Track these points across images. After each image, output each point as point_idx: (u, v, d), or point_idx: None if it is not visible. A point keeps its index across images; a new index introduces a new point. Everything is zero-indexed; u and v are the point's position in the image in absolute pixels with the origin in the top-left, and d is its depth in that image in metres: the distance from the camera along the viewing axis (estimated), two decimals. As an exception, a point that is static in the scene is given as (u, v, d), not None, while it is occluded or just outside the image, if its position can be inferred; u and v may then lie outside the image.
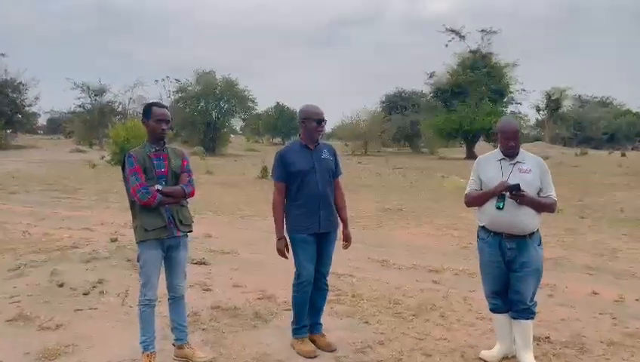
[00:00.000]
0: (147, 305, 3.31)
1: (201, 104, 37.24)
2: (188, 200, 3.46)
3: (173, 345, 3.50)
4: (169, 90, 37.98)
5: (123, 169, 3.30)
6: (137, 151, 3.30)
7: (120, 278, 5.03)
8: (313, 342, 3.73)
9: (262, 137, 64.10)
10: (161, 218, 3.26)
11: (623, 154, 35.93)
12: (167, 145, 3.39)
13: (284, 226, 3.69)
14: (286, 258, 3.67)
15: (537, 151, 21.38)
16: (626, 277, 5.97)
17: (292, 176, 3.61)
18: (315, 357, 3.57)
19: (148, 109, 3.35)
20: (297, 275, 3.67)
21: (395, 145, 47.87)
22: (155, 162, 3.29)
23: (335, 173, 3.80)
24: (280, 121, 60.15)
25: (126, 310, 4.31)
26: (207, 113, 36.91)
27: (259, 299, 4.76)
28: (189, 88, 37.43)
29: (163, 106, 3.43)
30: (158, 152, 3.32)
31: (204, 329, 3.99)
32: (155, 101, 3.51)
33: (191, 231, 3.46)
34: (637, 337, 3.97)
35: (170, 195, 3.28)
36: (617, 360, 3.58)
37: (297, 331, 3.73)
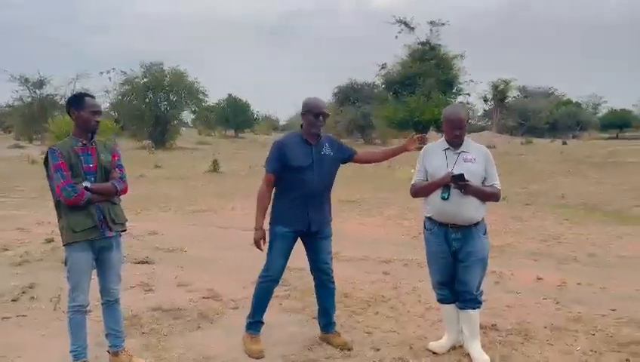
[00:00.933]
0: (77, 311, 3.07)
1: (150, 96, 36.06)
2: (120, 197, 3.23)
3: (108, 352, 3.28)
4: (115, 82, 36.49)
5: (46, 165, 3.04)
6: (62, 146, 3.04)
7: (53, 282, 4.70)
8: (328, 342, 3.62)
9: (214, 130, 62.82)
10: (91, 217, 3.03)
11: (564, 143, 37.52)
12: (95, 139, 3.14)
13: (268, 217, 3.53)
14: (261, 250, 3.49)
15: (484, 140, 21.95)
16: (568, 262, 6.17)
17: (288, 170, 3.44)
18: (262, 357, 3.44)
19: (80, 99, 3.10)
20: (266, 268, 3.56)
21: (348, 136, 48.07)
22: (82, 157, 3.04)
23: (345, 157, 3.67)
24: (232, 114, 59.11)
25: (58, 316, 4.02)
26: (156, 106, 35.80)
27: (204, 298, 4.58)
28: (136, 80, 36.13)
29: (94, 97, 3.20)
30: (85, 146, 3.07)
31: (143, 333, 3.78)
32: (84, 92, 3.27)
33: (124, 230, 3.25)
34: (579, 321, 4.06)
35: (100, 193, 3.05)
36: (561, 344, 3.64)
37: (251, 325, 3.60)
